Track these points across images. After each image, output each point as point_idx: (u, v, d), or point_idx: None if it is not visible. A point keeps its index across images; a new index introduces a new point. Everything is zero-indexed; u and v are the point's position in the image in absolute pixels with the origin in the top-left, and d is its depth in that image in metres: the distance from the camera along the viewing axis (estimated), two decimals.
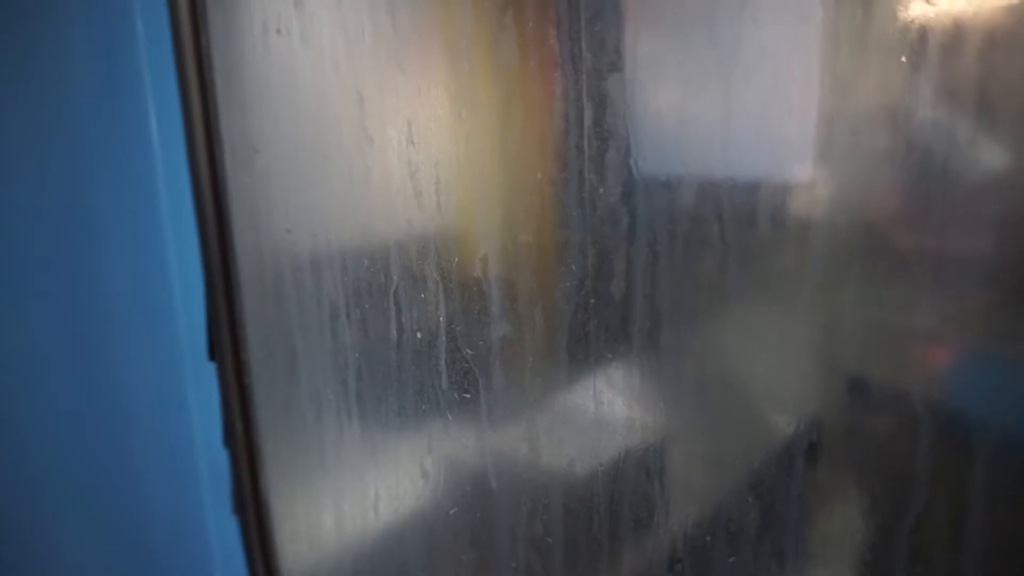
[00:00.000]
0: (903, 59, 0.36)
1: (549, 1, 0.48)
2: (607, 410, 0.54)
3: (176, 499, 1.08)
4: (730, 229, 0.44)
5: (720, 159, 0.44)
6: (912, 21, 0.36)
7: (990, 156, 0.36)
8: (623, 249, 0.49)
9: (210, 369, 0.95)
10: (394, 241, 0.65)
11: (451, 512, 0.70)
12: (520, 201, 0.53)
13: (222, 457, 0.97)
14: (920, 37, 0.35)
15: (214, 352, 0.93)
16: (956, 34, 0.35)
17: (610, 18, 0.46)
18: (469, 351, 0.62)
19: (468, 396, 0.64)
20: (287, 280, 0.81)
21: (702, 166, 0.44)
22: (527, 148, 0.52)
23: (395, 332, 0.68)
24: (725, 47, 0.42)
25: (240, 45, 0.77)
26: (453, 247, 0.60)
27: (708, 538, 0.50)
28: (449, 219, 0.60)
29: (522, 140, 0.52)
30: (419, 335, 0.66)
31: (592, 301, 0.52)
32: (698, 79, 0.44)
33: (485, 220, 0.57)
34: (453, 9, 0.55)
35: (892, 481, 0.41)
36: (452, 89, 0.56)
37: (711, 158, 0.44)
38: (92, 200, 0.96)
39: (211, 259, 0.87)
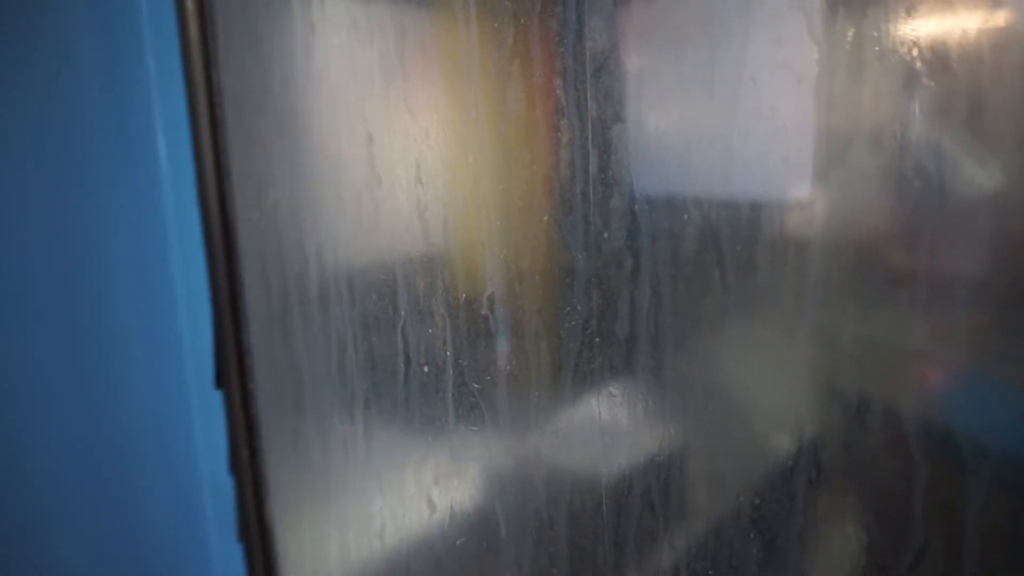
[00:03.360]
0: (894, 85, 0.38)
1: (555, 53, 0.50)
2: (611, 443, 0.55)
3: (180, 525, 1.09)
4: (730, 273, 0.46)
5: (720, 208, 0.45)
6: (900, 47, 0.38)
7: (979, 177, 0.37)
8: (627, 290, 0.50)
9: (216, 396, 0.96)
10: (402, 277, 0.67)
11: (457, 542, 0.71)
12: (526, 242, 0.55)
13: (227, 484, 0.98)
14: (909, 61, 0.37)
15: (221, 380, 0.94)
16: (943, 58, 0.36)
17: (614, 71, 0.48)
18: (476, 385, 0.63)
19: (475, 428, 0.65)
20: (295, 312, 0.82)
21: (702, 213, 0.46)
22: (533, 192, 0.54)
23: (402, 365, 0.70)
24: (725, 101, 0.44)
25: (252, 84, 0.79)
26: (460, 285, 0.62)
27: (710, 571, 0.51)
28: (456, 257, 0.61)
29: (528, 184, 0.54)
30: (426, 368, 0.68)
31: (597, 340, 0.53)
32: (699, 130, 0.45)
33: (492, 260, 0.58)
34: (462, 56, 0.57)
35: (888, 501, 0.42)
36: (461, 133, 0.58)
37: (711, 205, 0.46)
38: (100, 227, 0.98)
39: (219, 289, 0.88)
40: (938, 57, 0.37)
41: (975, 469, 0.39)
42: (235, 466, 0.95)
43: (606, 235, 0.50)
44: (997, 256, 0.37)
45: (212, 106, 0.83)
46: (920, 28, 0.37)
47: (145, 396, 1.03)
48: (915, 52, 0.37)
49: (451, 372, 0.65)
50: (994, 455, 0.39)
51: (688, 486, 0.52)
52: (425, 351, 0.67)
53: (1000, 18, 0.35)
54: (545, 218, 0.54)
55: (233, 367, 0.91)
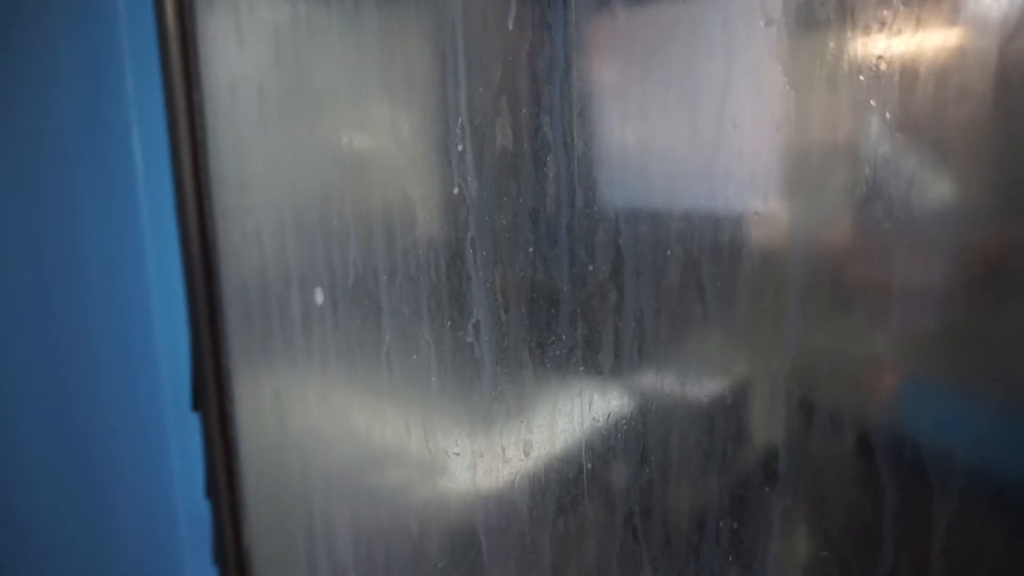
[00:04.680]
0: (858, 102, 0.40)
1: (543, 89, 0.52)
2: (596, 471, 0.56)
3: (155, 548, 1.07)
4: (711, 305, 0.47)
5: (703, 244, 0.47)
6: (865, 67, 0.39)
7: (935, 192, 0.39)
8: (611, 322, 0.51)
9: (193, 419, 0.95)
10: (387, 302, 0.67)
11: (439, 565, 0.71)
12: (512, 272, 0.56)
13: (203, 508, 0.97)
14: (871, 82, 0.39)
15: (198, 403, 0.93)
16: (903, 79, 0.39)
17: (599, 110, 0.49)
18: (461, 413, 0.64)
19: (458, 454, 0.65)
20: (277, 334, 0.82)
21: (685, 248, 0.47)
22: (519, 223, 0.55)
23: (387, 391, 0.70)
24: (706, 145, 0.45)
25: (234, 103, 0.79)
26: (446, 311, 0.62)
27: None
28: (441, 284, 0.62)
29: (514, 216, 0.55)
30: (410, 389, 0.68)
31: (581, 369, 0.54)
32: (684, 169, 0.47)
33: (478, 287, 0.59)
34: (450, 87, 0.57)
35: (844, 506, 0.44)
36: (448, 163, 0.58)
37: (694, 240, 0.47)
38: (75, 246, 0.96)
39: (198, 311, 0.87)
40: (895, 77, 0.39)
41: (932, 476, 0.41)
42: (212, 490, 0.94)
43: (591, 267, 0.51)
44: (956, 268, 0.39)
45: (193, 127, 0.83)
46: (881, 49, 0.39)
47: (119, 419, 1.01)
48: (876, 73, 0.39)
49: (435, 399, 0.66)
50: (949, 461, 0.41)
51: (670, 509, 0.53)
52: (410, 376, 0.67)
53: (957, 43, 0.37)
54: (531, 249, 0.55)
55: (211, 389, 0.90)
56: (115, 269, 0.97)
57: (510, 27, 0.51)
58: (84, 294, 0.98)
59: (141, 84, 0.89)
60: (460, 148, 0.57)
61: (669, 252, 0.48)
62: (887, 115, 0.40)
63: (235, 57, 0.77)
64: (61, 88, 0.91)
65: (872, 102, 0.40)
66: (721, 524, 0.49)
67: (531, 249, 0.55)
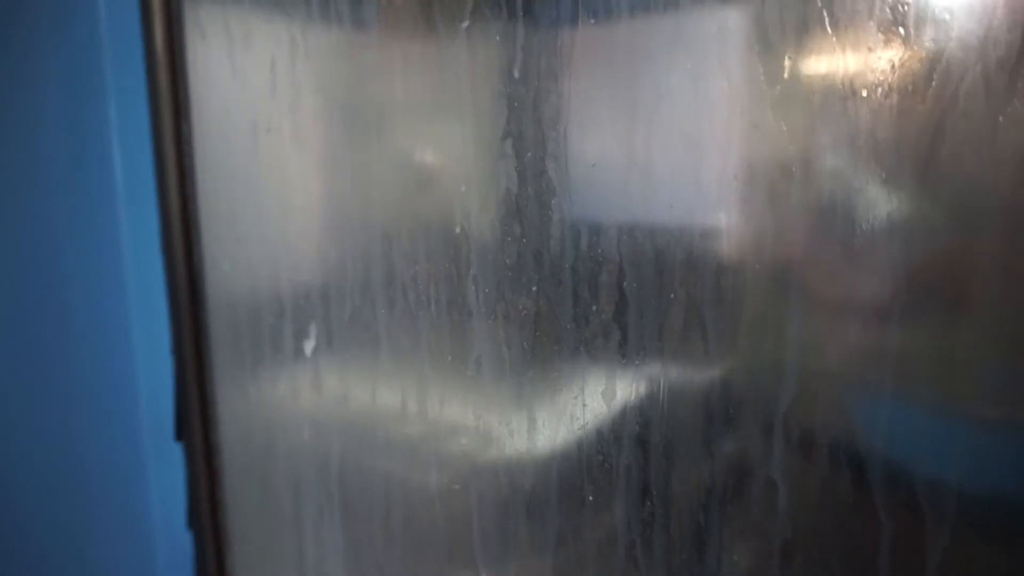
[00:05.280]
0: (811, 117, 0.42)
1: (548, 136, 0.53)
2: (597, 505, 0.57)
3: None
4: (713, 344, 0.49)
5: (703, 289, 0.49)
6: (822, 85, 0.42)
7: (888, 207, 0.42)
8: (615, 361, 0.53)
9: (174, 449, 0.93)
10: (385, 335, 0.68)
11: None
12: (515, 312, 0.57)
13: (185, 539, 0.95)
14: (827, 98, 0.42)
15: (181, 432, 0.91)
16: (858, 95, 0.41)
17: (606, 161, 0.51)
18: (462, 444, 0.65)
19: (457, 487, 0.66)
20: (265, 363, 0.81)
21: (687, 291, 0.50)
22: (522, 264, 0.56)
23: (382, 424, 0.70)
24: (710, 194, 0.47)
25: (223, 133, 0.78)
26: (446, 348, 0.63)
27: None
28: (442, 322, 0.63)
29: (518, 257, 0.56)
30: (407, 430, 0.68)
31: (584, 405, 0.56)
32: (683, 213, 0.49)
33: (479, 326, 0.60)
34: (450, 127, 0.59)
35: (800, 519, 0.46)
36: (452, 203, 0.59)
37: (695, 285, 0.49)
38: (56, 270, 0.94)
39: (183, 341, 0.86)
40: (855, 90, 0.41)
41: (890, 487, 0.44)
42: (195, 521, 0.92)
43: (595, 307, 0.53)
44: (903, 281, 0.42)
45: (180, 156, 0.82)
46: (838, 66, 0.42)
47: (98, 448, 0.99)
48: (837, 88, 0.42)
49: (437, 439, 0.66)
50: (907, 473, 0.44)
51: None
52: (405, 410, 0.67)
53: (909, 59, 0.40)
54: (534, 287, 0.56)
55: (196, 419, 0.89)
56: (96, 297, 0.95)
57: (515, 76, 0.53)
58: (63, 321, 0.95)
59: (125, 113, 0.88)
60: (463, 189, 0.58)
61: (673, 295, 0.50)
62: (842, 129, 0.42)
63: (226, 87, 0.77)
64: (43, 115, 0.89)
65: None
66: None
67: (534, 288, 0.56)
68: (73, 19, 0.85)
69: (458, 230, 0.59)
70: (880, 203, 0.42)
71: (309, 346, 0.75)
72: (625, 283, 0.51)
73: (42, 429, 0.96)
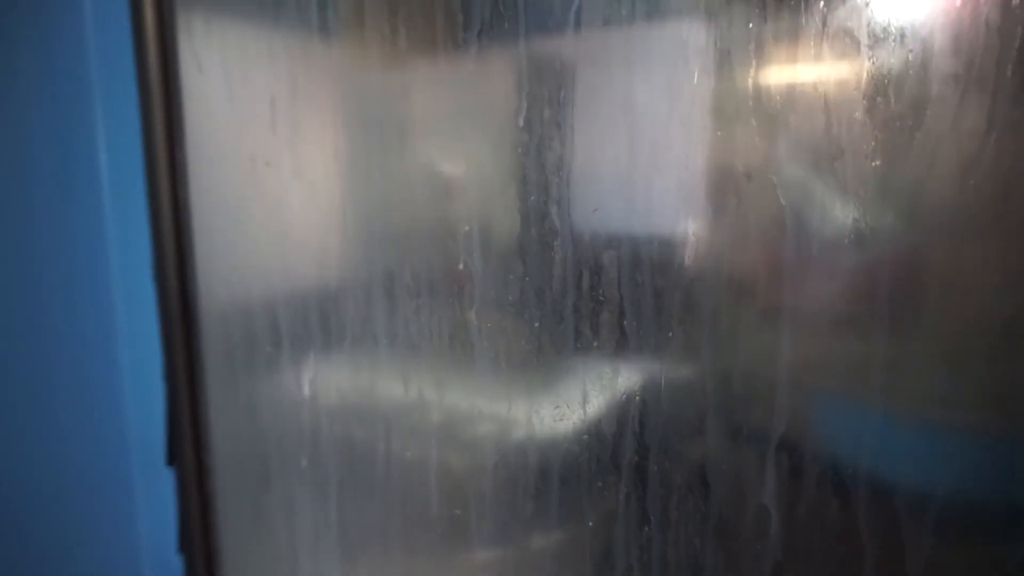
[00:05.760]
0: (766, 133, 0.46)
1: (551, 181, 0.56)
2: (597, 533, 0.60)
3: None
4: (710, 386, 0.52)
5: (700, 327, 0.52)
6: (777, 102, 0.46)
7: (843, 219, 0.46)
8: (616, 396, 0.56)
9: (164, 473, 0.93)
10: (383, 364, 0.69)
11: None
12: (517, 346, 0.60)
13: (175, 563, 0.95)
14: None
15: (173, 457, 0.91)
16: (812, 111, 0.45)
17: (609, 208, 0.54)
18: (460, 471, 0.67)
19: (458, 512, 0.68)
20: (260, 390, 0.82)
21: (685, 332, 0.53)
22: (525, 299, 0.59)
23: (382, 450, 0.72)
24: (704, 238, 0.51)
25: (218, 163, 0.79)
26: (445, 379, 0.65)
27: None
28: (443, 354, 0.65)
29: (521, 293, 0.59)
30: (408, 453, 0.70)
31: (585, 438, 0.59)
32: (684, 260, 0.52)
33: (480, 360, 0.62)
34: (457, 175, 0.61)
35: (755, 517, 0.50)
36: (456, 239, 0.62)
37: (695, 322, 0.52)
38: (44, 301, 0.93)
39: (175, 367, 0.87)
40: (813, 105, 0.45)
41: (849, 488, 0.48)
42: (186, 545, 0.92)
43: (596, 344, 0.56)
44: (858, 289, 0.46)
45: (175, 185, 0.83)
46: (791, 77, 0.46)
47: (87, 473, 0.98)
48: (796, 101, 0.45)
49: (434, 459, 0.68)
50: (866, 476, 0.47)
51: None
52: (406, 436, 0.69)
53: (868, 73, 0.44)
54: (536, 324, 0.59)
55: (188, 444, 0.89)
56: (84, 325, 0.94)
57: (520, 124, 0.55)
58: (52, 350, 0.94)
59: (117, 139, 0.88)
60: (467, 228, 0.60)
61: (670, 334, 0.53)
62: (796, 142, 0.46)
63: (222, 117, 0.78)
64: (32, 140, 0.88)
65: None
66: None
67: (537, 324, 0.59)
68: (62, 49, 0.85)
69: (461, 266, 0.62)
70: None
71: (307, 380, 0.77)
72: (625, 322, 0.54)
73: (30, 455, 0.95)
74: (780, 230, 0.48)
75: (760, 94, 0.47)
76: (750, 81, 0.47)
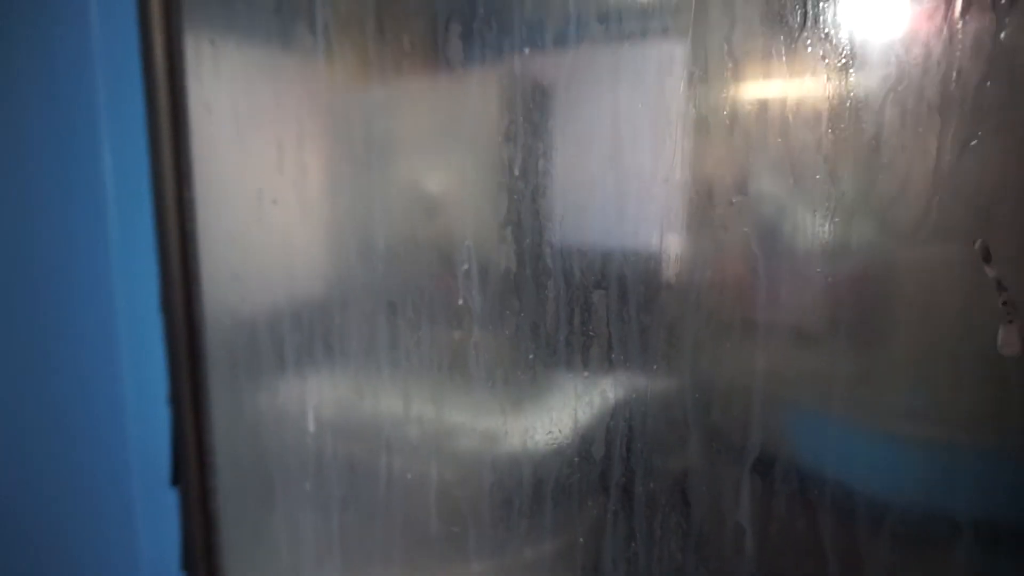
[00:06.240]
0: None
1: (544, 225, 0.61)
2: (589, 553, 0.65)
3: None
4: (692, 414, 0.57)
5: (684, 351, 0.57)
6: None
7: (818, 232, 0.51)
8: (604, 423, 0.61)
9: (168, 493, 0.96)
10: (386, 393, 0.74)
11: None
12: (516, 379, 0.65)
13: None
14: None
15: (178, 478, 0.94)
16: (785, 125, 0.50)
17: (596, 248, 0.59)
18: (459, 489, 0.71)
19: (456, 530, 0.73)
20: (264, 417, 0.86)
21: (672, 370, 0.58)
22: (520, 334, 0.64)
23: (383, 470, 0.76)
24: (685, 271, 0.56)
25: (230, 205, 0.83)
26: (445, 407, 0.70)
27: None
28: (443, 384, 0.69)
29: (516, 327, 0.64)
30: (409, 475, 0.75)
31: (576, 459, 0.63)
32: (666, 291, 0.57)
33: (478, 389, 0.67)
34: (456, 210, 0.66)
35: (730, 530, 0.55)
36: (456, 274, 0.66)
37: (679, 362, 0.57)
38: (51, 330, 0.96)
39: (181, 392, 0.90)
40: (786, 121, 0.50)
41: (825, 504, 0.52)
42: (190, 563, 0.96)
43: (586, 374, 0.61)
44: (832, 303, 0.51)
45: (181, 206, 0.86)
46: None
47: (89, 492, 1.01)
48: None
49: (434, 478, 0.73)
50: (839, 488, 0.52)
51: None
52: (408, 458, 0.74)
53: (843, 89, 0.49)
54: (531, 355, 0.63)
55: (193, 464, 0.92)
56: (90, 352, 0.97)
57: (516, 174, 0.60)
58: (56, 378, 0.97)
59: (124, 175, 0.91)
60: (466, 267, 0.65)
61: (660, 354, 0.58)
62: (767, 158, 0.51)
63: (231, 155, 0.82)
64: (38, 167, 0.91)
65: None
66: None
67: (531, 356, 0.63)
68: (71, 89, 0.88)
69: (460, 302, 0.66)
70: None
71: (309, 402, 0.81)
72: (613, 355, 0.59)
73: (32, 476, 0.98)
74: (759, 250, 0.53)
75: (764, 119, 0.52)
76: (748, 104, 0.53)
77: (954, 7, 0.44)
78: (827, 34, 0.49)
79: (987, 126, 0.45)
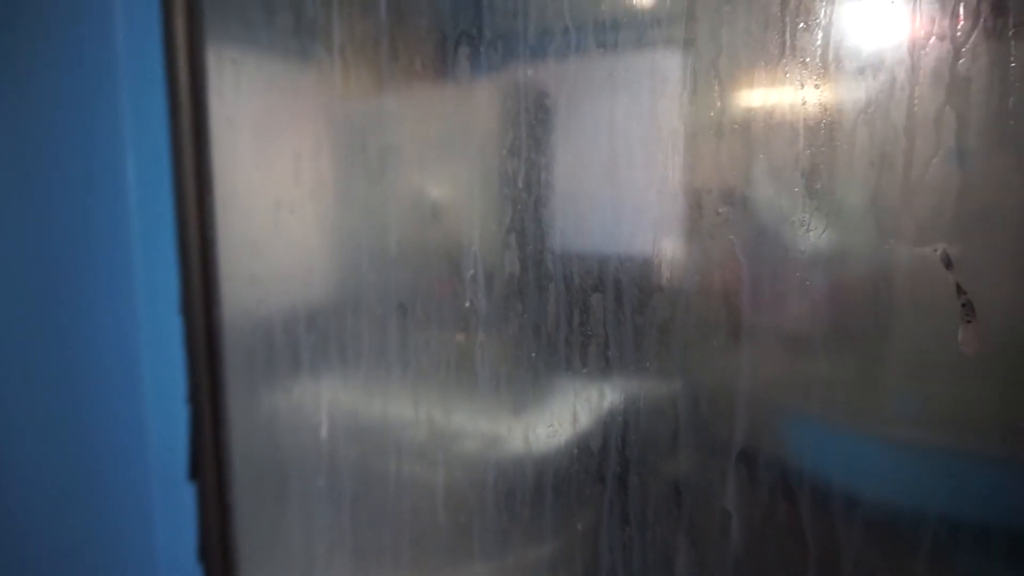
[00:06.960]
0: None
1: (547, 231, 0.65)
2: (586, 546, 0.69)
3: None
4: (682, 408, 0.62)
5: (677, 358, 0.62)
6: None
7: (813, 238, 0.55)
8: (603, 420, 0.65)
9: (185, 486, 1.00)
10: (396, 392, 0.78)
11: None
12: (519, 376, 0.69)
13: (194, 571, 1.02)
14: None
15: (196, 472, 0.99)
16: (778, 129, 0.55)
17: (591, 255, 0.63)
18: (464, 484, 0.76)
19: (462, 520, 0.77)
20: (280, 410, 0.90)
21: (664, 367, 0.62)
22: (523, 334, 0.68)
23: (393, 466, 0.81)
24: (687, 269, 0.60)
25: (248, 212, 0.88)
26: (454, 407, 0.74)
27: None
28: (450, 384, 0.74)
29: (519, 328, 0.68)
30: (416, 469, 0.79)
31: (575, 451, 0.68)
32: (659, 299, 0.62)
33: (484, 389, 0.71)
34: (464, 223, 0.70)
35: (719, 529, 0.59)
36: (463, 279, 0.71)
37: (672, 363, 0.62)
38: (73, 333, 1.01)
39: (199, 390, 0.95)
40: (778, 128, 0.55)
41: (817, 504, 0.57)
42: (206, 553, 1.00)
43: (585, 371, 0.65)
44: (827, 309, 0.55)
45: (202, 213, 0.91)
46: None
47: (108, 486, 1.05)
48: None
49: (441, 474, 0.77)
50: (835, 493, 0.56)
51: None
52: (416, 461, 0.78)
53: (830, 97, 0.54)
54: (532, 354, 0.68)
55: (210, 459, 0.97)
56: (111, 353, 1.02)
57: (519, 185, 0.65)
58: (78, 380, 1.02)
59: (146, 180, 0.96)
60: (472, 272, 0.70)
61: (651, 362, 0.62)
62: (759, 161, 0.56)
63: (250, 167, 0.87)
64: (62, 170, 0.96)
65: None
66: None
67: (533, 354, 0.68)
68: (98, 98, 0.93)
69: (467, 304, 0.71)
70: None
71: (323, 401, 0.85)
72: (610, 353, 0.64)
73: (56, 470, 1.02)
74: (744, 257, 0.58)
75: (747, 136, 0.57)
76: (747, 114, 0.57)
77: (916, 39, 0.49)
78: (805, 61, 0.53)
79: (947, 145, 0.49)
